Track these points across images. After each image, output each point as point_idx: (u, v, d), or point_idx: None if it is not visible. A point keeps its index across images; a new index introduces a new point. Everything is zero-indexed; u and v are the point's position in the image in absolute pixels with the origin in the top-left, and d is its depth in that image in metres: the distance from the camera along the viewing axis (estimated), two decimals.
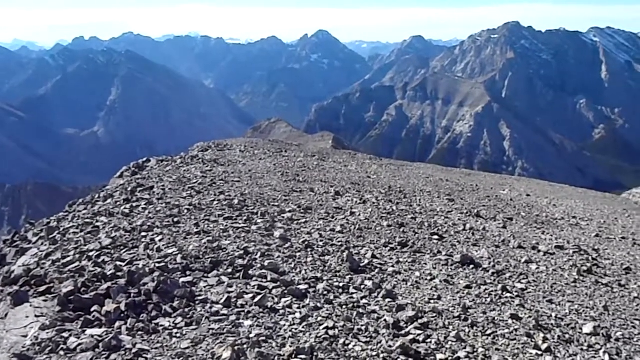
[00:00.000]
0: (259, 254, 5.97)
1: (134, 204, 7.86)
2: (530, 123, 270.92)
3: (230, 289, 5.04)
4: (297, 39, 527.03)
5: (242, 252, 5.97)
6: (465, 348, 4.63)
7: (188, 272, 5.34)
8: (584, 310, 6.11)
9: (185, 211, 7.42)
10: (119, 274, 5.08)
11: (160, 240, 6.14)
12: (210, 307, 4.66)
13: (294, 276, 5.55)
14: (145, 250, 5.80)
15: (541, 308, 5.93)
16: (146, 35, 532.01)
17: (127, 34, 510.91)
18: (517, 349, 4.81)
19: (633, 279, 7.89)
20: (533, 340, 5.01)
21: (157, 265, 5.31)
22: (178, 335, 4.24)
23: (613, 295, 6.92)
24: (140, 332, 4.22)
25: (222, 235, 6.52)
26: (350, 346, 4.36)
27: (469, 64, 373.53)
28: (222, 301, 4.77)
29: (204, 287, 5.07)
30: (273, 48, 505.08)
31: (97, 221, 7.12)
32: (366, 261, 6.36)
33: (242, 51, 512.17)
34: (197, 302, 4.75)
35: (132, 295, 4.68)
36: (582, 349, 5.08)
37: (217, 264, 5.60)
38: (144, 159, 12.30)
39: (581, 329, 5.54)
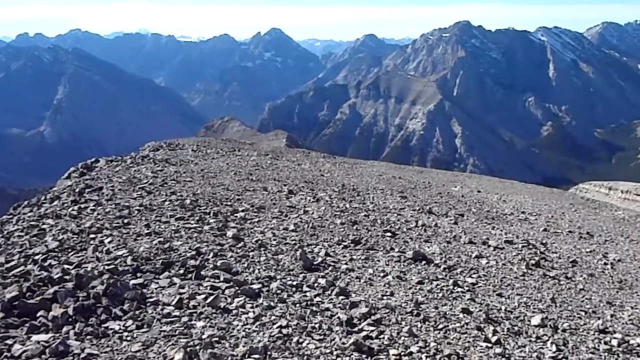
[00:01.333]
0: (211, 254, 5.91)
1: (82, 206, 7.67)
2: (481, 121, 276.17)
3: (182, 290, 4.97)
4: (250, 37, 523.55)
5: (194, 252, 5.90)
6: (417, 343, 4.69)
7: (138, 274, 5.25)
8: (532, 303, 6.27)
9: (136, 212, 7.29)
10: (67, 277, 4.94)
11: (109, 242, 6.01)
12: (162, 309, 4.59)
13: (247, 276, 5.52)
14: (94, 253, 5.67)
15: (491, 301, 6.06)
16: (94, 32, 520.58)
17: (74, 30, 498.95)
18: (468, 342, 4.90)
19: (579, 271, 8.14)
20: (483, 333, 5.11)
21: (107, 267, 5.20)
22: (128, 338, 4.16)
23: (560, 287, 7.12)
24: (89, 337, 4.13)
25: (174, 236, 6.43)
26: (304, 344, 4.35)
27: (421, 62, 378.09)
28: (173, 302, 4.70)
29: (155, 288, 4.99)
30: (225, 46, 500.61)
31: (43, 224, 6.91)
32: (320, 259, 6.37)
33: (193, 49, 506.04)
34: (148, 304, 4.67)
35: (81, 299, 4.56)
36: (530, 341, 5.21)
37: (169, 265, 5.52)
38: (93, 160, 12.04)
39: (529, 321, 5.68)
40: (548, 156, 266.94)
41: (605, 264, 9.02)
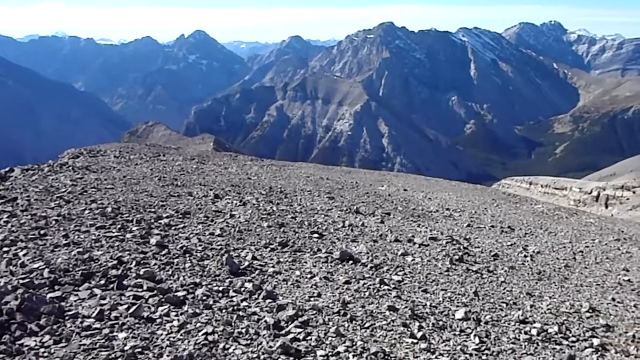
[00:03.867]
0: (134, 263, 5.75)
1: None
2: (407, 120, 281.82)
3: (103, 301, 4.81)
4: (173, 39, 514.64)
5: (115, 261, 5.72)
6: (344, 342, 4.72)
7: (56, 287, 5.03)
8: (456, 297, 6.43)
9: (53, 222, 7.00)
10: None
11: (24, 255, 5.75)
12: (81, 322, 4.42)
13: (171, 283, 5.40)
14: (7, 267, 5.40)
15: (417, 298, 6.17)
16: (7, 35, 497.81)
17: None
18: (394, 339, 4.98)
19: (500, 265, 8.42)
20: (409, 329, 5.20)
21: (21, 281, 4.96)
22: (45, 354, 3.98)
23: (482, 281, 7.33)
24: (1, 355, 3.93)
25: (94, 246, 6.22)
26: (230, 350, 4.30)
27: (346, 63, 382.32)
28: (94, 315, 4.54)
29: (74, 301, 4.80)
30: (148, 49, 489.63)
31: None
32: (246, 263, 6.32)
33: (114, 52, 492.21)
34: (66, 318, 4.48)
35: None
36: (454, 334, 5.34)
37: (89, 276, 5.33)
38: (7, 169, 11.49)
39: (454, 315, 5.82)
40: (471, 153, 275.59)
41: (525, 256, 9.36)
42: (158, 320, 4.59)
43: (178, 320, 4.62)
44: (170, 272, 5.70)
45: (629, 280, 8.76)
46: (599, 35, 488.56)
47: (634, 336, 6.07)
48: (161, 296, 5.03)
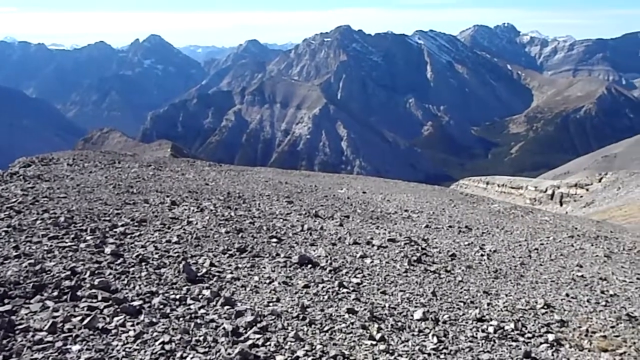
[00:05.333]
0: (88, 273, 5.62)
1: None
2: (365, 123, 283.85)
3: (55, 314, 4.68)
4: (128, 44, 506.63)
5: (69, 272, 5.58)
6: (304, 347, 4.71)
7: (6, 300, 4.88)
8: (414, 298, 6.48)
9: (3, 234, 6.79)
10: None
11: None
12: (33, 336, 4.30)
13: (127, 293, 5.30)
14: None
15: (375, 300, 6.20)
16: None
17: None
18: (353, 341, 4.99)
19: (457, 264, 8.52)
20: (368, 331, 5.22)
21: None
22: None
23: (440, 281, 7.41)
24: None
25: (46, 257, 6.05)
26: (188, 359, 4.25)
27: (304, 67, 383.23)
28: (46, 327, 4.42)
29: (25, 314, 4.67)
30: (102, 54, 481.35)
31: None
32: (204, 270, 6.24)
33: (67, 58, 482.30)
34: (17, 332, 4.35)
35: None
36: (413, 335, 5.38)
37: (41, 288, 5.19)
38: None
39: (412, 315, 5.87)
40: (430, 155, 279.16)
41: (482, 255, 9.49)
42: (113, 331, 4.49)
43: (134, 330, 4.54)
44: (125, 282, 5.59)
45: (582, 276, 8.97)
46: (551, 37, 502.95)
47: (587, 330, 6.21)
48: (116, 306, 4.93)
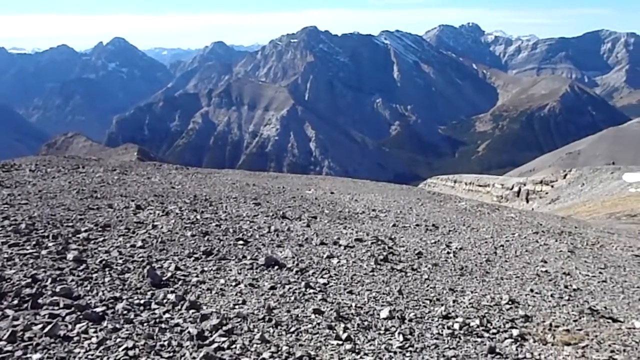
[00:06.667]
0: (49, 280, 5.51)
1: None
2: (333, 123, 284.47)
3: (15, 322, 4.58)
4: (91, 47, 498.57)
5: (29, 280, 5.46)
6: (270, 349, 4.69)
7: None
8: (381, 297, 6.51)
9: None
10: None
11: None
12: None
13: (89, 299, 5.21)
14: None
15: (342, 299, 6.21)
16: None
17: None
18: (320, 341, 4.99)
19: (424, 262, 8.59)
20: (334, 331, 5.23)
21: None
22: None
23: (407, 279, 7.46)
24: None
25: (6, 265, 5.92)
26: None
27: (271, 68, 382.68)
28: (5, 337, 4.32)
29: None
30: (64, 57, 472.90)
31: None
32: (169, 274, 6.18)
33: (28, 61, 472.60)
34: None
35: None
36: (379, 333, 5.40)
37: (1, 297, 5.08)
38: None
39: (378, 314, 5.89)
40: (397, 154, 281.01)
41: (448, 253, 9.59)
42: (75, 338, 4.41)
43: (97, 336, 4.46)
44: (88, 288, 5.50)
45: (546, 271, 9.13)
46: (515, 36, 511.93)
47: (551, 325, 6.32)
48: (79, 313, 4.84)
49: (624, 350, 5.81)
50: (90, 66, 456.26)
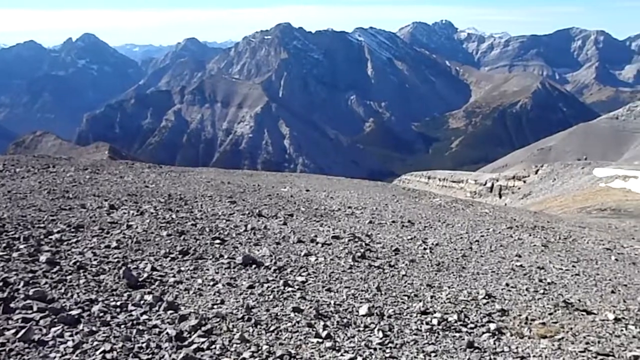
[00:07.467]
0: (22, 283, 5.39)
1: None
2: (308, 120, 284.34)
3: None
4: (60, 43, 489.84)
5: (0, 283, 5.34)
6: (250, 348, 4.67)
7: None
8: (359, 294, 6.51)
9: None
10: None
11: None
12: None
13: (64, 302, 5.10)
14: None
15: (321, 297, 6.19)
16: None
17: None
18: (300, 340, 4.98)
19: (401, 259, 8.61)
20: (314, 329, 5.22)
21: None
22: None
23: (384, 275, 7.47)
24: None
25: None
26: None
27: (245, 65, 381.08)
28: None
29: None
30: (32, 53, 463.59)
31: None
32: (145, 275, 6.09)
33: None
34: None
35: None
36: (359, 330, 5.40)
37: None
38: None
39: (357, 311, 5.89)
40: (372, 151, 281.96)
41: (425, 249, 9.63)
42: (51, 343, 4.32)
43: (73, 340, 4.38)
44: (63, 290, 5.39)
45: (521, 265, 9.23)
46: (487, 33, 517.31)
47: (527, 318, 6.39)
48: (53, 316, 4.74)
49: (599, 342, 5.91)
50: (60, 63, 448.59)
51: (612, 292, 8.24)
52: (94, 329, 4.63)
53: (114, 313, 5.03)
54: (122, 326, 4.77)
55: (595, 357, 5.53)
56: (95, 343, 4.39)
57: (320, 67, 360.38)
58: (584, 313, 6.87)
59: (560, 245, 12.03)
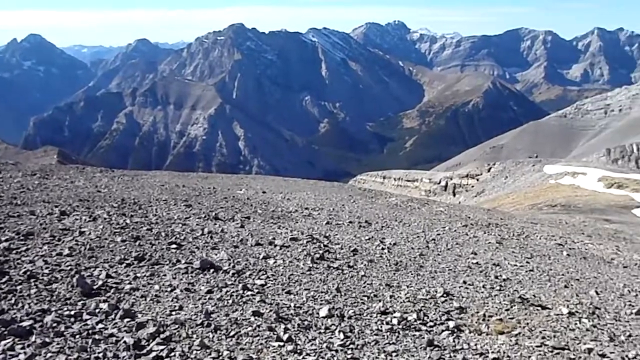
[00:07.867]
0: None
1: None
2: (262, 121, 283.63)
3: None
4: (4, 44, 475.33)
5: None
6: (210, 354, 4.59)
7: None
8: (319, 296, 6.48)
9: None
10: None
11: None
12: None
13: (15, 313, 4.93)
14: None
15: (281, 300, 6.14)
16: None
17: None
18: (261, 344, 4.92)
19: (360, 259, 8.63)
20: (275, 332, 5.17)
21: None
22: None
23: (344, 276, 7.47)
24: None
25: None
26: None
27: (198, 66, 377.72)
28: None
29: None
30: None
31: None
32: (100, 282, 5.93)
33: None
34: None
35: None
36: (320, 332, 5.38)
37: None
38: None
39: (318, 313, 5.87)
40: (327, 152, 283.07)
41: (383, 249, 9.67)
42: (1, 357, 4.16)
43: (25, 353, 4.23)
44: (13, 301, 5.20)
45: (477, 262, 9.37)
46: (439, 33, 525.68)
47: (484, 315, 6.48)
48: (3, 329, 4.57)
49: (554, 336, 6.04)
50: (4, 64, 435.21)
51: (565, 286, 8.44)
52: (47, 340, 4.48)
53: (68, 323, 4.87)
54: (77, 336, 4.63)
55: (552, 351, 5.64)
56: (49, 355, 4.25)
57: (274, 68, 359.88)
58: (539, 308, 7.01)
59: (514, 242, 12.27)
